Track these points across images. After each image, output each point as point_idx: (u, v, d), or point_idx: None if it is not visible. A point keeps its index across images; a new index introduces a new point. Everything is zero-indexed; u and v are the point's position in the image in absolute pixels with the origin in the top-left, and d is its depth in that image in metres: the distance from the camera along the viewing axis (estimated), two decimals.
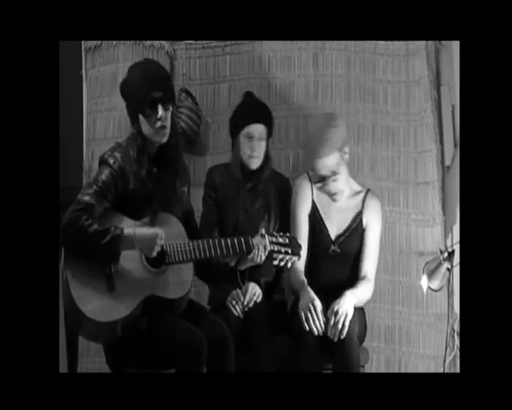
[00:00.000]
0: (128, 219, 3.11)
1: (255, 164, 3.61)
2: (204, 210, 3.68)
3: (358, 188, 3.67)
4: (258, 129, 3.60)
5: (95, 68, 4.09)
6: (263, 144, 3.62)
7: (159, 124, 3.10)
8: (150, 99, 3.09)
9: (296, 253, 3.29)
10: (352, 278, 3.60)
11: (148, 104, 3.09)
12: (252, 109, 3.69)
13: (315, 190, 3.63)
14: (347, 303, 3.38)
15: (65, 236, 2.98)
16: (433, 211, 3.96)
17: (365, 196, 3.65)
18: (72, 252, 3.02)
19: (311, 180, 3.64)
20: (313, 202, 3.63)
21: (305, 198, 3.63)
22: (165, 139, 3.15)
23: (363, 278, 3.57)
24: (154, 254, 3.05)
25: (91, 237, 2.98)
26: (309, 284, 3.49)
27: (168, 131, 3.15)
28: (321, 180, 3.55)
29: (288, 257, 3.27)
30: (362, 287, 3.53)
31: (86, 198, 3.04)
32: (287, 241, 3.29)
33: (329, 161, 3.50)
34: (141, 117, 3.12)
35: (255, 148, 3.59)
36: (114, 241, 2.99)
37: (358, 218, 3.62)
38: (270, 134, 3.66)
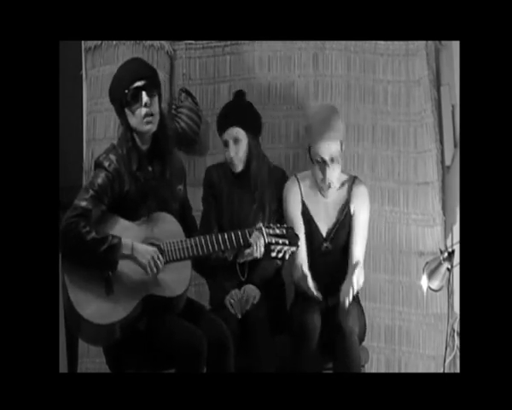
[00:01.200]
0: (125, 220, 3.11)
1: (235, 168, 3.63)
2: (204, 209, 3.69)
3: (345, 177, 3.65)
4: (232, 133, 3.60)
5: (95, 68, 4.09)
6: (240, 147, 3.60)
7: (144, 111, 3.08)
8: (133, 89, 3.08)
9: (294, 243, 3.28)
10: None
11: (131, 94, 3.08)
12: (225, 115, 3.69)
13: (304, 191, 3.63)
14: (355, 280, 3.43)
15: (62, 242, 2.98)
16: (433, 211, 3.96)
17: (352, 185, 3.64)
18: (70, 258, 3.02)
19: (299, 183, 3.65)
20: (303, 203, 3.63)
21: (296, 201, 3.63)
22: (154, 128, 3.13)
23: (357, 264, 3.55)
24: (150, 273, 3.04)
25: (89, 246, 2.98)
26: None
27: (156, 118, 3.13)
28: (320, 163, 3.53)
29: (285, 248, 3.26)
30: (359, 272, 3.51)
31: (83, 203, 3.04)
32: (284, 232, 3.28)
33: (333, 147, 3.51)
34: (127, 110, 3.11)
35: (231, 152, 3.59)
36: (112, 250, 2.99)
37: (346, 208, 3.61)
38: (253, 133, 3.64)
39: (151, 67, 3.22)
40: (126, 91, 3.08)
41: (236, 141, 3.60)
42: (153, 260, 3.03)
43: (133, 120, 3.11)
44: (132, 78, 3.10)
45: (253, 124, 3.67)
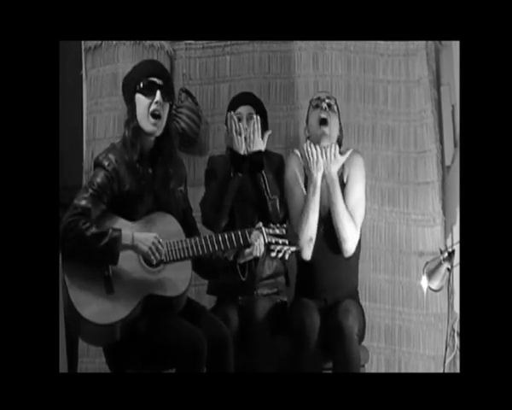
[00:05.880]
0: (124, 220, 3.11)
1: (242, 146, 3.58)
2: (206, 192, 3.65)
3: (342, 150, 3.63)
4: (247, 109, 3.65)
5: (95, 68, 4.09)
6: (252, 125, 3.61)
7: (153, 107, 3.09)
8: (150, 81, 3.10)
9: (294, 243, 3.28)
10: (352, 276, 3.60)
11: (147, 84, 3.10)
12: (242, 93, 3.80)
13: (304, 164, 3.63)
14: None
15: (63, 242, 2.98)
16: (433, 211, 3.97)
17: (349, 156, 3.61)
18: (72, 257, 3.02)
19: (299, 157, 3.64)
20: (305, 178, 3.61)
21: (298, 173, 3.62)
22: (159, 132, 3.13)
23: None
24: (154, 261, 3.05)
25: (89, 240, 2.97)
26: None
27: (163, 124, 3.13)
28: (317, 105, 3.61)
29: (285, 248, 3.26)
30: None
31: (83, 203, 3.04)
32: (284, 232, 3.28)
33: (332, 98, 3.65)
34: (137, 96, 3.12)
35: (245, 125, 3.60)
36: (113, 242, 2.99)
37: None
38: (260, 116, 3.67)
39: (169, 76, 3.24)
40: (142, 82, 3.10)
41: (250, 116, 3.61)
42: (154, 246, 3.03)
43: (140, 109, 3.11)
44: (150, 72, 3.12)
45: (265, 114, 3.71)
